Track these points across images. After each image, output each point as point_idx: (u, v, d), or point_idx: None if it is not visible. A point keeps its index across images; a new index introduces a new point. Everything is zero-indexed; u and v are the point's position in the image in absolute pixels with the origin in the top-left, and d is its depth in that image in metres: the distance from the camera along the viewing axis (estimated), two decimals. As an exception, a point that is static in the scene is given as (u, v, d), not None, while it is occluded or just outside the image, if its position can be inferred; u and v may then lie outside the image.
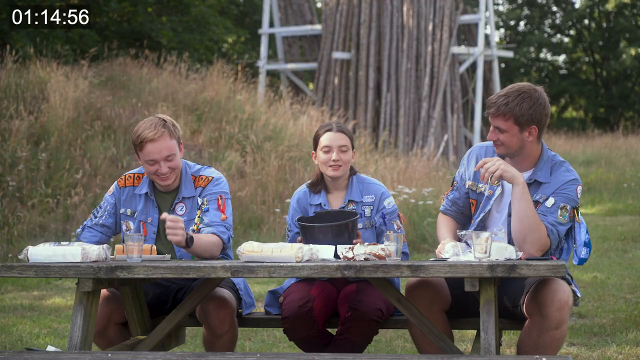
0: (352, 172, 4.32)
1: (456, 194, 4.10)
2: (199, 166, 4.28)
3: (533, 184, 3.91)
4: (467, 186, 4.05)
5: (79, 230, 4.28)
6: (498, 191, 3.95)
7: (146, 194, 4.22)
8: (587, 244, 3.96)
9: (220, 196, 4.16)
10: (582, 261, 3.95)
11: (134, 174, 4.30)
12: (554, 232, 3.81)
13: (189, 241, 3.87)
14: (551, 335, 3.66)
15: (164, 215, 3.89)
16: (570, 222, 3.87)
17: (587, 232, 3.96)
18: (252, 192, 10.74)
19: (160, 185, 4.19)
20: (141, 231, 4.19)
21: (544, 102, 3.86)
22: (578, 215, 3.91)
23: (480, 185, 4.00)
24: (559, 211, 3.84)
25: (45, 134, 10.92)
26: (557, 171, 3.91)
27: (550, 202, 3.85)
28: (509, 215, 3.90)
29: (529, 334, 3.72)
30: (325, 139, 4.22)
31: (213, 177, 4.22)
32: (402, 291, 3.99)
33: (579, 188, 3.91)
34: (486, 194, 3.98)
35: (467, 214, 4.09)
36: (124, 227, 4.24)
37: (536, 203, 3.87)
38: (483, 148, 4.08)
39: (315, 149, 4.29)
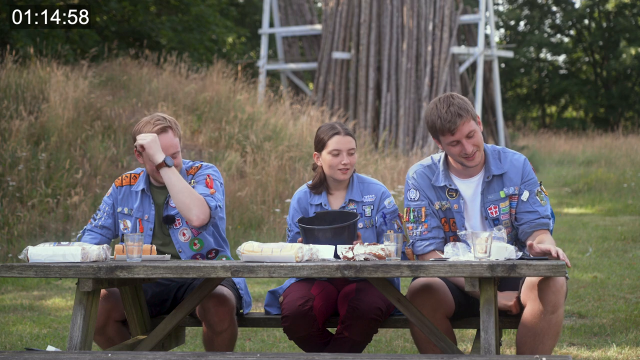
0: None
1: (435, 219, 4.01)
2: (192, 162, 4.31)
3: (494, 180, 3.95)
4: (437, 207, 4.01)
5: (79, 234, 4.30)
6: (461, 201, 3.97)
7: (142, 190, 4.23)
8: (551, 215, 4.07)
9: (208, 175, 4.19)
10: (550, 232, 4.03)
11: (131, 174, 4.33)
12: (549, 221, 3.94)
13: (167, 161, 3.97)
14: (547, 320, 3.67)
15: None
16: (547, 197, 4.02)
17: (548, 202, 4.08)
18: (252, 192, 10.74)
19: (160, 182, 4.21)
20: (137, 228, 4.20)
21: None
22: (544, 189, 4.04)
23: (444, 203, 4.00)
24: (537, 198, 3.95)
25: (45, 134, 10.92)
26: (506, 157, 3.99)
27: (526, 195, 3.94)
28: (486, 218, 3.94)
29: (525, 322, 3.74)
30: (334, 143, 4.22)
31: (202, 164, 4.25)
32: (402, 291, 3.99)
33: (530, 164, 4.03)
34: (454, 209, 3.98)
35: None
36: (121, 226, 4.25)
37: (511, 197, 3.95)
38: (426, 168, 4.04)
39: (319, 150, 4.28)
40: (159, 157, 4.05)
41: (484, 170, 3.97)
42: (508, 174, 3.95)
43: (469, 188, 3.97)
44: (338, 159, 4.22)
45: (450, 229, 4.00)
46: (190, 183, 4.19)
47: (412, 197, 4.03)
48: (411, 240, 4.05)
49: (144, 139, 4.06)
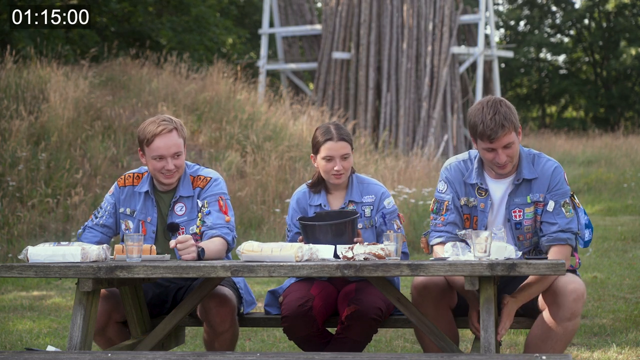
0: (351, 171, 4.33)
1: (454, 214, 3.99)
2: (197, 166, 4.29)
3: (522, 183, 3.92)
4: (462, 203, 4.00)
5: (80, 230, 4.29)
6: (489, 202, 3.96)
7: (146, 192, 4.22)
8: (588, 226, 4.02)
9: (221, 197, 4.16)
10: (586, 244, 4.02)
11: (134, 173, 4.31)
12: (571, 236, 3.87)
13: (201, 254, 3.86)
14: (564, 327, 3.69)
15: (172, 243, 3.83)
16: (575, 211, 3.93)
17: (585, 213, 4.03)
18: (252, 192, 10.74)
19: (162, 183, 4.19)
20: (140, 230, 4.19)
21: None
22: (576, 200, 3.98)
23: (472, 200, 3.99)
24: (563, 209, 3.89)
25: (45, 134, 10.92)
26: (539, 163, 3.94)
27: (551, 205, 3.88)
28: (509, 220, 3.92)
29: (541, 326, 3.75)
30: (326, 149, 4.19)
31: (211, 178, 4.21)
32: (402, 291, 4.00)
33: (564, 174, 3.96)
34: (479, 207, 3.97)
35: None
36: (123, 227, 4.24)
37: (536, 203, 3.91)
38: (461, 162, 4.03)
39: (314, 152, 4.27)
40: (193, 255, 3.87)
41: (516, 172, 3.94)
42: (537, 181, 3.91)
43: (500, 189, 3.95)
44: (331, 164, 4.20)
45: (472, 226, 4.00)
46: (199, 199, 4.17)
47: (440, 189, 4.03)
48: (429, 230, 4.08)
49: (179, 245, 3.85)
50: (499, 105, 3.82)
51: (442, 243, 3.97)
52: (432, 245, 4.04)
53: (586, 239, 4.03)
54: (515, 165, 3.93)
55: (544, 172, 3.92)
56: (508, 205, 3.93)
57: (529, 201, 3.92)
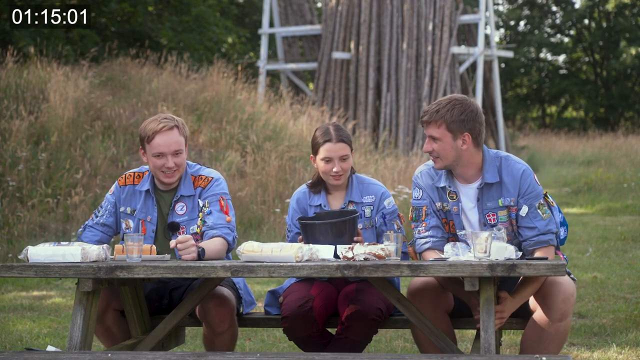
0: (351, 171, 4.32)
1: (435, 218, 3.98)
2: (198, 166, 4.29)
3: (493, 187, 3.89)
4: (438, 208, 3.98)
5: (80, 229, 4.29)
6: (460, 206, 3.95)
7: (147, 191, 4.22)
8: (563, 224, 4.00)
9: (222, 197, 4.16)
10: (562, 242, 4.01)
11: (135, 172, 4.31)
12: (552, 236, 3.86)
13: (201, 254, 3.86)
14: (555, 328, 3.69)
15: (172, 243, 3.84)
16: (550, 210, 3.91)
17: (559, 211, 4.00)
18: (252, 192, 10.74)
19: (163, 182, 4.19)
20: (140, 230, 4.19)
21: (475, 109, 3.85)
22: (550, 199, 3.96)
23: (445, 204, 3.97)
24: (539, 211, 3.86)
25: (45, 134, 10.92)
26: (506, 166, 3.90)
27: (524, 210, 3.86)
28: (484, 224, 3.91)
29: (533, 328, 3.74)
30: (325, 150, 4.19)
31: (213, 178, 4.21)
32: (402, 291, 4.00)
33: (534, 176, 3.92)
34: (453, 211, 3.96)
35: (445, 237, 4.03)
36: (123, 226, 4.24)
37: (509, 208, 3.89)
38: (431, 169, 4.02)
39: (314, 153, 4.27)
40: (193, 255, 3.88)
41: (480, 178, 3.92)
42: (505, 184, 3.88)
43: (469, 193, 3.94)
44: (329, 166, 4.20)
45: (450, 230, 3.99)
46: (200, 198, 4.17)
47: (415, 196, 4.02)
48: (413, 239, 4.05)
49: (180, 245, 3.87)
50: (454, 100, 3.83)
51: (430, 249, 3.95)
52: (419, 253, 4.01)
53: (561, 237, 4.01)
54: (479, 169, 3.90)
55: (512, 176, 3.88)
56: (481, 209, 3.91)
57: (500, 204, 3.89)
